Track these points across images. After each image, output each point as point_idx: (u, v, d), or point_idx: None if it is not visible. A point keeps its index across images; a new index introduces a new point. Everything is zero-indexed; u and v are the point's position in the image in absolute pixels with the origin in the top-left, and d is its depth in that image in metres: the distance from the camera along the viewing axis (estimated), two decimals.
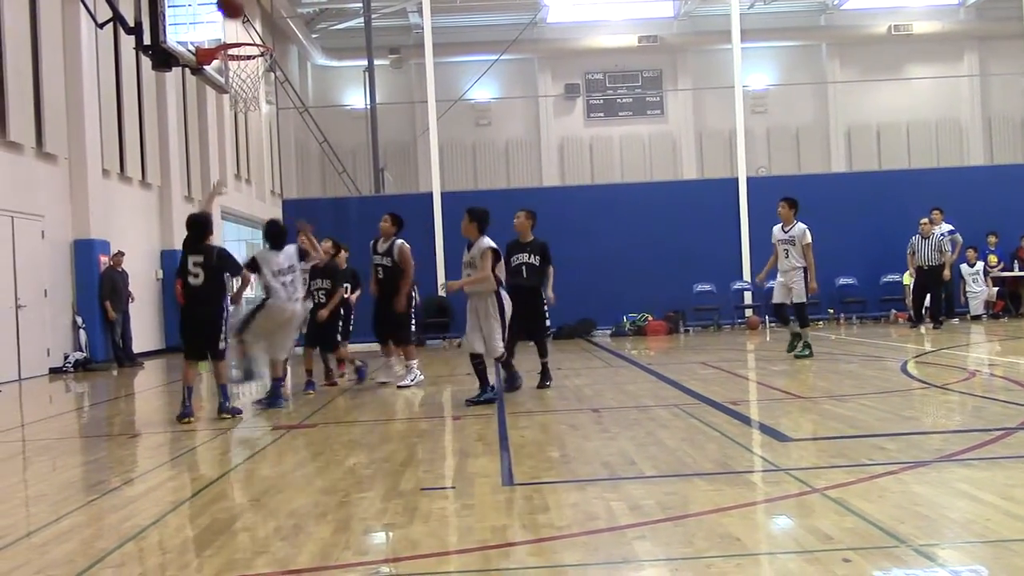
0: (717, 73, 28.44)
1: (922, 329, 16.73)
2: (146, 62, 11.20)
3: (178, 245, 20.62)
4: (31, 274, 15.35)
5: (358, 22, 27.90)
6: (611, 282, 19.27)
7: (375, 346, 11.46)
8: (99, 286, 16.80)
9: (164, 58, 9.87)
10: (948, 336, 15.17)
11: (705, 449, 6.01)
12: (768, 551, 3.91)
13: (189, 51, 10.23)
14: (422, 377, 10.85)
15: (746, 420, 7.31)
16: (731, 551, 3.79)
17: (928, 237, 17.05)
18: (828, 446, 6.04)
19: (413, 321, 12.13)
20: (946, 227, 17.74)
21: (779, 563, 3.66)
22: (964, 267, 18.97)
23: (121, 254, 17.20)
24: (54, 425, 9.66)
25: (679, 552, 3.83)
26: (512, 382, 9.37)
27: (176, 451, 7.29)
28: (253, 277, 9.28)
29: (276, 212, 25.76)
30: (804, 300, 11.92)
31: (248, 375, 9.26)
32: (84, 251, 16.82)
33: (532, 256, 9.48)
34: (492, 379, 8.89)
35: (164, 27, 9.58)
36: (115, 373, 15.89)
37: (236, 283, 9.17)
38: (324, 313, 10.42)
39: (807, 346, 11.89)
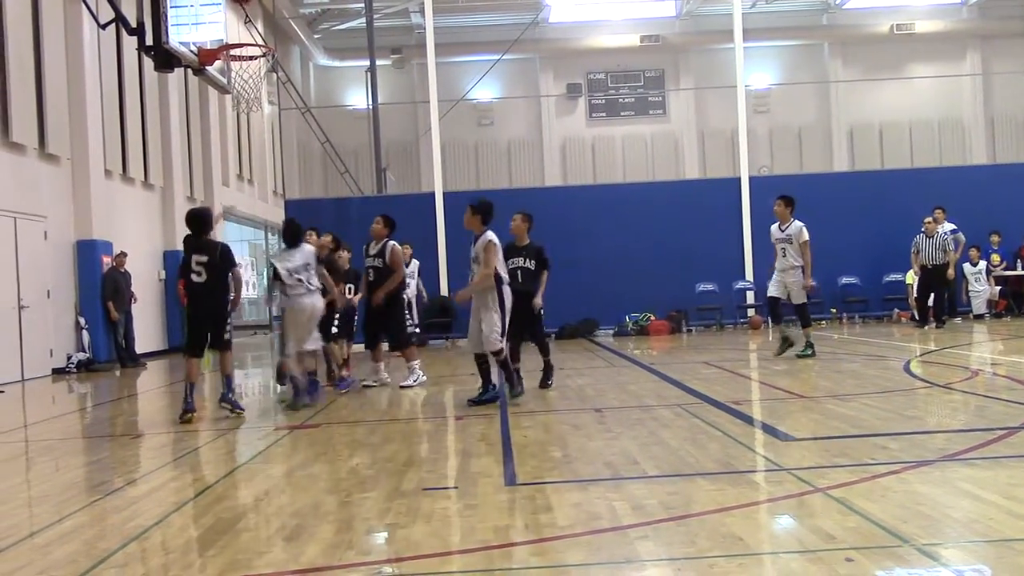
0: (719, 73, 28.43)
1: (926, 329, 16.70)
2: (148, 63, 11.20)
3: (180, 245, 20.71)
4: (34, 275, 15.36)
5: (360, 22, 27.90)
6: (613, 282, 19.26)
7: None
8: (102, 287, 16.82)
9: (166, 59, 9.88)
10: (951, 335, 15.16)
11: (708, 449, 6.01)
12: (771, 551, 3.91)
13: (191, 52, 10.23)
14: (424, 377, 10.84)
15: (749, 420, 7.31)
16: (734, 551, 3.79)
17: (932, 236, 17.02)
18: (831, 446, 6.03)
19: (409, 323, 12.10)
20: (948, 226, 17.71)
21: (782, 563, 3.66)
22: (967, 266, 18.94)
23: (124, 255, 17.22)
24: (57, 426, 9.67)
25: (682, 552, 3.83)
26: (511, 388, 8.68)
27: (179, 451, 7.29)
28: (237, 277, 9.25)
29: (278, 212, 25.85)
30: (804, 300, 11.91)
31: (298, 393, 9.25)
32: (87, 252, 16.84)
33: (528, 260, 9.38)
34: (495, 378, 8.85)
35: (166, 28, 9.59)
36: (118, 374, 15.90)
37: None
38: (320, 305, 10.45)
39: (809, 345, 11.87)
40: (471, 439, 6.88)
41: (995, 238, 19.56)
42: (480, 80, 28.52)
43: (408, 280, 15.95)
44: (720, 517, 4.28)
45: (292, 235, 9.45)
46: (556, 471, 5.65)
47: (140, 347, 17.78)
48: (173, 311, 20.16)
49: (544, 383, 9.78)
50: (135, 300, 17.54)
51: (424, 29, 22.01)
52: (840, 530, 3.96)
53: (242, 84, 11.60)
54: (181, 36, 10.01)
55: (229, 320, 8.88)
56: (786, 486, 4.96)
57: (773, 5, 29.63)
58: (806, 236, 11.71)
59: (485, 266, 8.37)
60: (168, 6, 9.63)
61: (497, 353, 8.43)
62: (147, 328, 19.01)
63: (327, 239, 10.75)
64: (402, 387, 10.45)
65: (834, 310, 19.94)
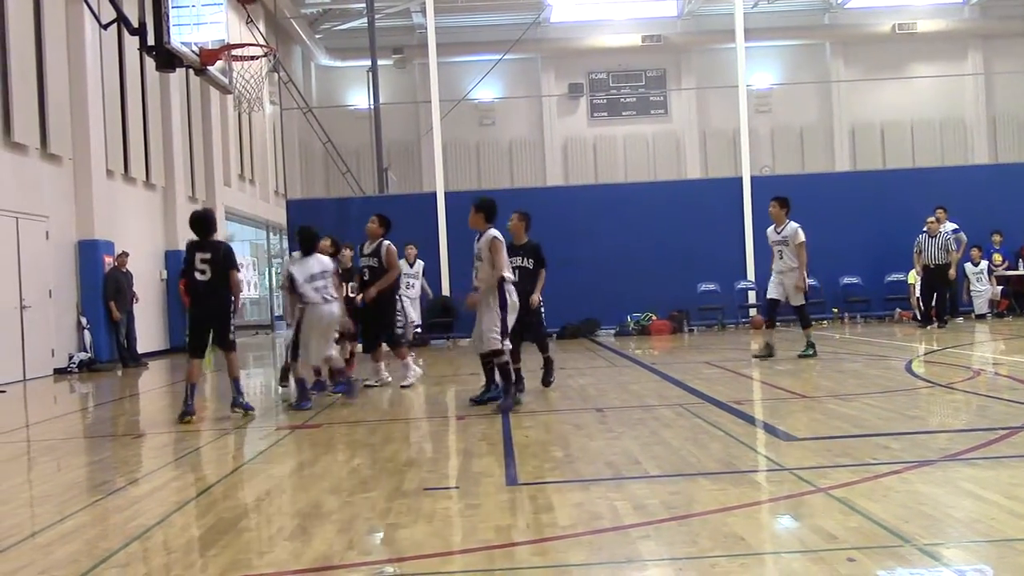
0: (721, 72, 28.44)
1: (928, 328, 16.69)
2: (150, 63, 11.19)
3: (182, 245, 20.73)
4: (36, 275, 15.38)
5: (362, 22, 27.92)
6: (615, 282, 19.27)
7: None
8: (103, 286, 16.83)
9: (168, 59, 9.87)
10: (952, 335, 15.15)
11: (709, 449, 6.01)
12: (772, 551, 3.91)
13: (193, 52, 10.23)
14: (420, 371, 10.84)
15: (750, 419, 7.30)
16: (735, 551, 3.78)
17: (935, 236, 17.02)
18: (832, 445, 6.03)
19: (413, 323, 12.01)
20: (950, 226, 17.71)
21: (783, 563, 3.66)
22: (968, 266, 18.93)
23: (125, 254, 17.23)
24: (59, 425, 9.67)
25: (683, 552, 3.83)
26: (504, 397, 8.26)
27: (180, 451, 7.30)
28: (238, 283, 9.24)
29: (280, 212, 25.85)
30: (802, 302, 11.88)
31: (304, 396, 9.25)
32: (88, 252, 16.85)
33: (526, 259, 9.30)
34: (499, 379, 8.76)
35: (168, 28, 9.59)
36: (119, 373, 15.91)
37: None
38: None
39: (811, 345, 11.85)
40: (472, 439, 6.87)
41: (997, 238, 19.55)
42: (482, 80, 28.52)
43: (412, 281, 15.96)
44: (722, 517, 4.27)
45: (307, 243, 9.44)
46: (557, 471, 5.65)
47: (142, 347, 17.80)
48: (175, 311, 20.17)
49: (546, 380, 9.75)
50: (137, 300, 17.55)
51: (425, 29, 22.02)
52: (842, 530, 3.96)
53: (244, 84, 11.60)
54: (183, 36, 10.00)
55: (232, 318, 8.89)
56: (788, 486, 4.96)
57: (775, 5, 29.62)
58: (801, 238, 11.65)
59: (493, 266, 8.24)
60: (170, 6, 9.63)
61: (497, 354, 8.25)
62: (149, 328, 19.03)
63: (326, 243, 10.69)
64: (403, 387, 10.45)
65: (836, 310, 19.93)
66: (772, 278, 12.07)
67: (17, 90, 14.88)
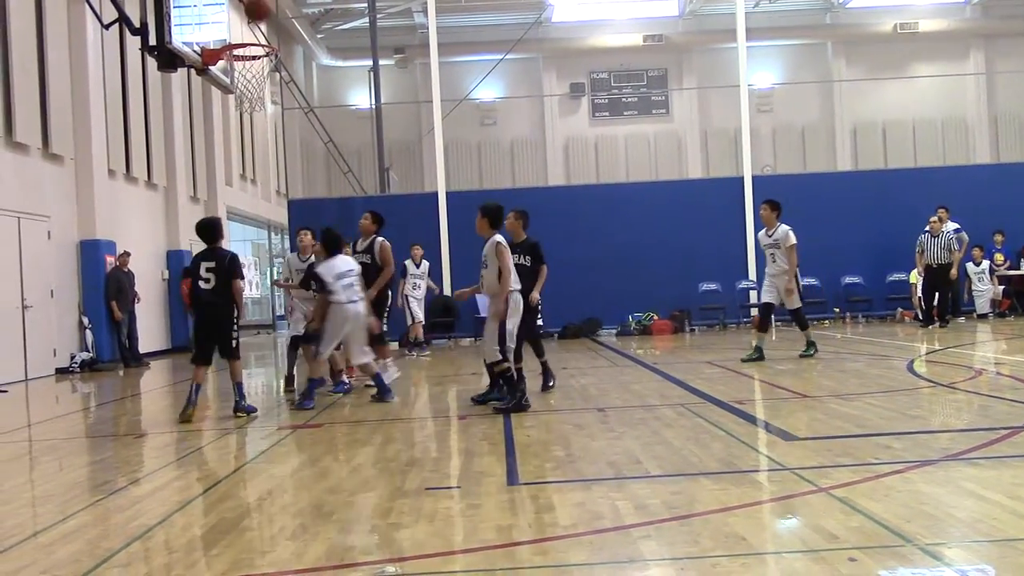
0: (722, 72, 28.42)
1: (930, 328, 16.69)
2: (152, 63, 11.19)
3: (184, 245, 20.78)
4: (37, 274, 15.39)
5: (363, 22, 27.94)
6: (616, 281, 19.27)
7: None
8: (105, 286, 16.84)
9: (170, 59, 9.88)
10: (954, 335, 15.14)
11: (711, 448, 6.01)
12: (774, 550, 3.90)
13: (195, 52, 10.23)
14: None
15: (752, 419, 7.30)
16: (737, 550, 3.78)
17: (938, 235, 17.01)
18: (834, 445, 6.02)
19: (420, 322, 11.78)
20: (952, 226, 17.70)
21: (785, 562, 3.65)
22: (970, 266, 18.92)
23: (127, 254, 17.25)
24: (60, 425, 9.68)
25: (685, 552, 3.82)
26: (509, 396, 8.24)
27: (182, 451, 7.31)
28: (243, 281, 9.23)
29: (281, 212, 25.87)
30: (798, 305, 11.84)
31: (308, 395, 9.25)
32: (90, 251, 16.86)
33: (523, 257, 9.24)
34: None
35: (169, 28, 9.59)
36: (121, 373, 15.92)
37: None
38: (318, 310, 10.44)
39: (811, 344, 11.82)
40: (474, 438, 6.87)
41: (999, 237, 19.55)
42: (483, 80, 28.52)
43: (418, 281, 15.95)
44: (723, 517, 4.27)
45: (332, 244, 9.45)
46: (559, 471, 5.64)
47: (143, 347, 17.81)
48: (176, 311, 20.19)
49: (545, 386, 9.69)
50: (138, 300, 17.57)
51: (427, 29, 22.02)
52: (843, 530, 3.96)
53: (245, 84, 11.59)
54: (184, 36, 10.00)
55: (236, 325, 8.88)
56: (789, 486, 4.96)
57: (776, 4, 29.60)
58: (792, 240, 11.59)
59: (495, 269, 8.12)
60: (171, 6, 9.63)
61: (496, 364, 8.17)
62: (150, 328, 19.04)
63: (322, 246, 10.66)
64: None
65: (837, 309, 19.93)
66: (766, 281, 12.06)
67: (19, 90, 14.90)
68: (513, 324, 8.24)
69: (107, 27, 10.77)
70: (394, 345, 12.78)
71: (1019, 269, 19.51)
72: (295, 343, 10.91)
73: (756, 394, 9.29)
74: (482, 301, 18.33)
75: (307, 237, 11.08)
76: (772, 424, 6.98)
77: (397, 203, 20.63)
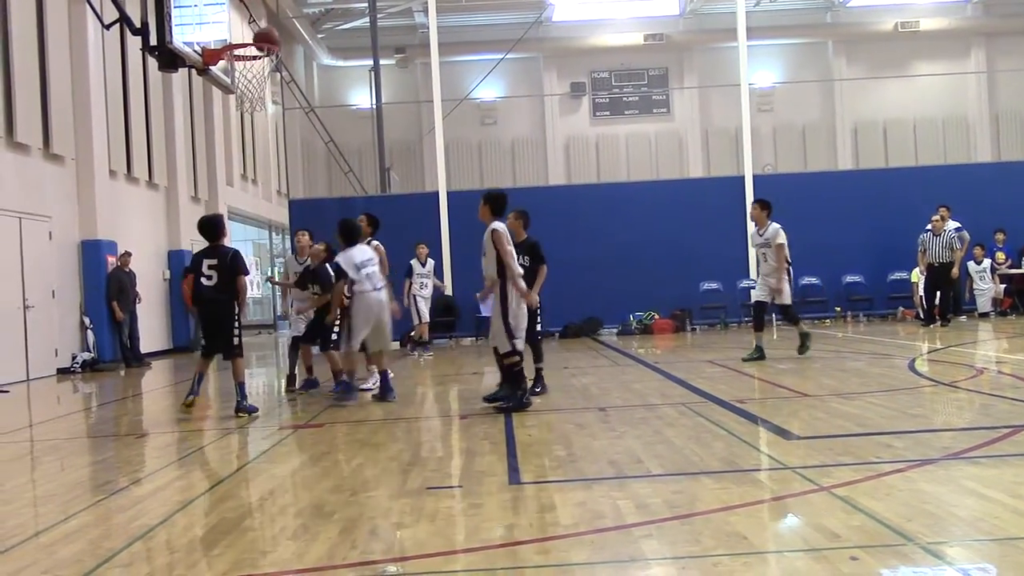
0: (723, 71, 28.41)
1: (931, 327, 16.69)
2: (152, 63, 11.20)
3: (185, 245, 20.78)
4: (39, 275, 15.39)
5: (364, 22, 27.93)
6: (617, 281, 19.27)
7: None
8: (106, 286, 16.85)
9: (170, 59, 9.89)
10: (955, 334, 15.14)
11: (712, 447, 6.01)
12: (775, 549, 3.90)
13: (195, 52, 10.24)
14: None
15: (753, 418, 7.29)
16: (738, 549, 3.78)
17: (940, 234, 17.01)
18: (835, 444, 6.02)
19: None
20: (953, 224, 17.69)
21: (786, 561, 3.65)
22: (971, 264, 18.92)
23: (128, 254, 17.25)
24: (62, 425, 9.69)
25: (686, 551, 3.82)
26: (511, 394, 8.18)
27: (183, 451, 7.31)
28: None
29: (282, 212, 25.88)
30: (788, 302, 11.82)
31: (348, 389, 9.26)
32: (91, 252, 16.87)
33: (523, 257, 9.20)
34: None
35: (170, 28, 9.60)
36: (122, 373, 15.93)
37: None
38: (308, 307, 10.45)
39: (804, 336, 11.70)
40: (475, 438, 6.87)
41: (1000, 236, 19.54)
42: (484, 79, 28.52)
43: (425, 280, 15.94)
44: (724, 516, 4.27)
45: (350, 234, 9.40)
46: (560, 470, 5.64)
47: (144, 347, 17.82)
48: (178, 311, 20.20)
49: (533, 391, 9.52)
50: (139, 300, 17.58)
51: (427, 28, 22.01)
52: (845, 529, 3.96)
53: (246, 84, 11.60)
54: (185, 36, 10.01)
55: (236, 325, 8.87)
56: (790, 485, 4.96)
57: (777, 3, 29.60)
58: (780, 239, 11.55)
59: (498, 259, 8.05)
60: (172, 6, 9.64)
61: (506, 355, 8.14)
62: (151, 328, 19.05)
63: (320, 248, 10.62)
64: (363, 389, 10.07)
65: (838, 308, 19.93)
66: (759, 280, 12.06)
67: (20, 90, 14.90)
68: (515, 316, 8.12)
69: (108, 27, 10.78)
70: (395, 345, 12.75)
71: (1020, 268, 19.50)
72: (296, 343, 10.90)
73: (757, 393, 9.29)
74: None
75: (304, 238, 11.04)
76: (773, 423, 6.98)
77: (398, 203, 20.66)
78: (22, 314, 14.87)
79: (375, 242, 10.40)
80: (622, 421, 7.30)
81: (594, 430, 6.97)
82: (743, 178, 20.37)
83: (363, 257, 9.29)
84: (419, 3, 27.55)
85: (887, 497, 4.47)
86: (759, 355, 11.64)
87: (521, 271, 8.32)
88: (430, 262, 16.07)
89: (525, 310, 8.30)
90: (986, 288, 19.05)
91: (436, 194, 20.29)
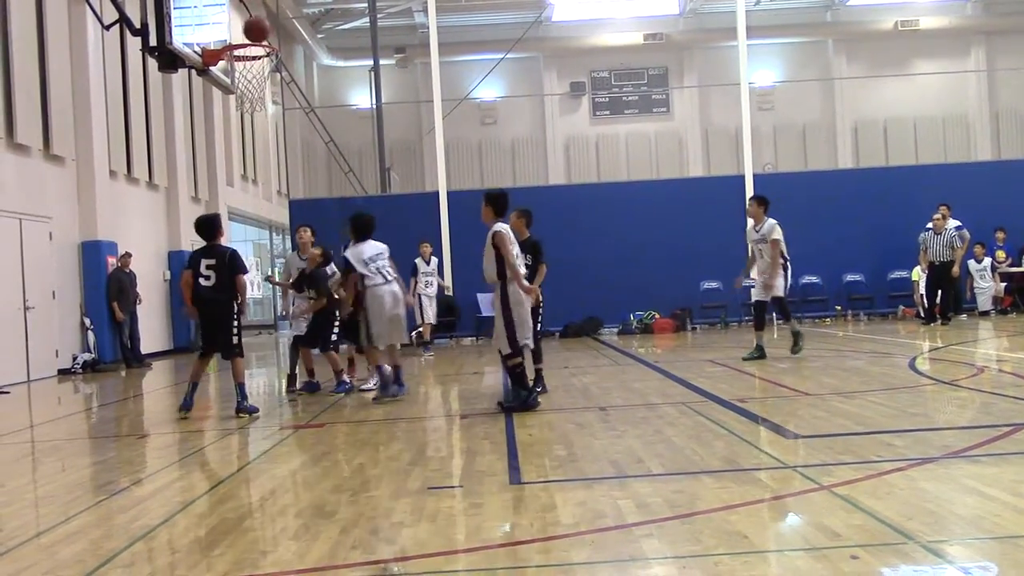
0: (723, 70, 28.42)
1: (932, 325, 16.69)
2: (152, 63, 11.20)
3: (185, 246, 20.78)
4: (39, 276, 15.40)
5: (363, 22, 27.94)
6: (618, 280, 19.26)
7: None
8: (107, 287, 16.85)
9: (170, 59, 9.88)
10: (956, 332, 15.13)
11: (712, 447, 6.01)
12: (776, 548, 3.90)
13: (195, 52, 10.24)
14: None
15: (753, 417, 7.29)
16: (739, 548, 3.78)
17: (941, 233, 17.01)
18: (836, 443, 6.02)
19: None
20: (953, 223, 17.69)
21: (787, 560, 3.65)
22: (971, 263, 18.91)
23: (128, 255, 17.26)
24: (63, 426, 9.69)
25: (687, 550, 3.83)
26: (517, 394, 8.18)
27: (184, 451, 7.31)
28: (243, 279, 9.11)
29: (282, 212, 25.88)
30: (781, 295, 11.77)
31: (385, 386, 9.26)
32: (92, 252, 16.87)
33: (526, 256, 9.17)
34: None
35: (170, 28, 9.59)
36: (123, 374, 15.93)
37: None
38: (303, 312, 10.45)
39: (797, 335, 11.62)
40: (475, 438, 6.88)
41: (1000, 235, 19.54)
42: (484, 79, 28.52)
43: (430, 279, 15.96)
44: (725, 515, 4.27)
45: (362, 229, 9.37)
46: (561, 469, 5.64)
47: (145, 347, 17.82)
48: (178, 311, 20.19)
49: (534, 390, 9.51)
50: (140, 300, 17.58)
51: (427, 28, 22.01)
52: (845, 528, 3.96)
53: (246, 84, 11.59)
54: (185, 37, 10.01)
55: (236, 324, 8.86)
56: (791, 484, 4.96)
57: (777, 2, 29.61)
58: (775, 235, 11.52)
59: (499, 261, 8.06)
60: (172, 7, 9.63)
61: (507, 357, 8.11)
62: (152, 328, 19.05)
63: (316, 252, 10.60)
64: (362, 391, 10.20)
65: (839, 307, 19.93)
66: (757, 280, 12.03)
67: (20, 91, 14.90)
68: (518, 315, 8.07)
69: (108, 28, 10.78)
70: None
71: (1020, 266, 19.49)
72: (297, 343, 10.89)
73: (758, 392, 9.29)
74: (483, 300, 18.37)
75: (306, 234, 11.00)
76: (774, 422, 6.98)
77: (398, 203, 20.66)
78: (23, 315, 14.87)
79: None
80: (623, 420, 7.30)
81: (595, 430, 6.97)
82: (743, 177, 20.37)
83: (373, 251, 9.27)
84: (419, 3, 27.56)
85: (888, 496, 4.47)
86: (760, 354, 11.64)
87: (525, 272, 8.30)
88: (434, 260, 16.07)
89: (529, 308, 8.27)
90: (986, 286, 19.05)
91: (436, 194, 20.29)
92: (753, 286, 12.26)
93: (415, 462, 6.07)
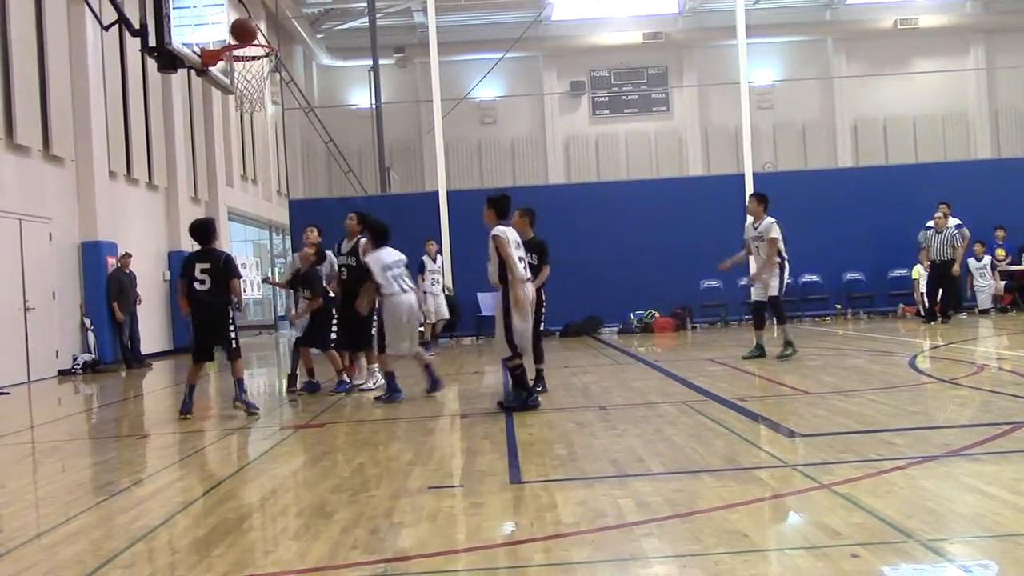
0: (722, 69, 28.42)
1: (932, 324, 16.68)
2: (152, 64, 11.19)
3: (185, 246, 20.76)
4: (39, 276, 15.39)
5: (363, 22, 27.94)
6: (618, 279, 19.26)
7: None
8: (106, 288, 16.85)
9: (169, 60, 9.87)
10: (956, 330, 15.13)
11: (713, 445, 6.01)
12: (776, 547, 3.91)
13: (194, 52, 10.23)
14: (382, 382, 10.61)
15: (753, 416, 7.29)
16: (739, 547, 3.78)
17: (942, 231, 17.01)
18: (836, 442, 6.02)
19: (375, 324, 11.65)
20: (953, 221, 17.69)
21: (787, 559, 3.66)
22: (971, 261, 18.91)
23: (128, 256, 17.25)
24: (63, 427, 9.70)
25: (687, 549, 3.83)
26: (517, 395, 8.18)
27: (185, 451, 7.31)
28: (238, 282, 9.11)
29: (282, 212, 25.87)
30: (777, 294, 11.71)
31: (393, 389, 9.27)
32: (91, 253, 16.87)
33: (530, 255, 9.15)
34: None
35: (169, 28, 9.58)
36: (123, 374, 15.93)
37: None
38: (301, 314, 10.45)
39: (788, 344, 11.47)
40: (476, 437, 6.88)
41: (1000, 233, 19.53)
42: (483, 78, 28.51)
43: (436, 277, 15.97)
44: (725, 514, 4.27)
45: (380, 234, 9.35)
46: (561, 469, 5.64)
47: (145, 348, 17.82)
48: (178, 312, 20.14)
49: (534, 390, 9.49)
50: (140, 301, 17.58)
51: (427, 28, 22.01)
52: (845, 526, 3.96)
53: (245, 84, 11.58)
54: (184, 37, 9.99)
55: (233, 325, 8.87)
56: (791, 482, 4.96)
57: (776, 1, 29.60)
58: (773, 234, 11.47)
59: (500, 264, 8.00)
60: (171, 7, 9.62)
61: (507, 359, 8.09)
62: (152, 329, 19.05)
63: (309, 251, 10.58)
64: (361, 390, 10.18)
65: (839, 306, 19.93)
66: (756, 281, 12.01)
67: (19, 92, 14.90)
68: (519, 317, 8.03)
69: (107, 28, 10.76)
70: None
71: (1020, 264, 19.49)
72: (298, 344, 10.88)
73: (758, 391, 9.29)
74: (484, 300, 18.37)
75: (313, 234, 10.95)
76: (774, 421, 6.98)
77: (398, 202, 20.65)
78: (23, 316, 14.87)
79: (364, 240, 10.33)
80: (623, 419, 7.30)
81: (595, 429, 6.98)
82: (743, 176, 20.36)
83: (392, 258, 9.23)
84: (418, 3, 27.55)
85: (888, 494, 4.47)
86: (760, 353, 11.64)
87: (528, 274, 8.26)
88: (439, 258, 16.08)
89: (530, 312, 8.23)
90: (986, 285, 19.05)
91: (436, 194, 20.29)
92: (752, 285, 12.25)
93: (415, 462, 6.07)
